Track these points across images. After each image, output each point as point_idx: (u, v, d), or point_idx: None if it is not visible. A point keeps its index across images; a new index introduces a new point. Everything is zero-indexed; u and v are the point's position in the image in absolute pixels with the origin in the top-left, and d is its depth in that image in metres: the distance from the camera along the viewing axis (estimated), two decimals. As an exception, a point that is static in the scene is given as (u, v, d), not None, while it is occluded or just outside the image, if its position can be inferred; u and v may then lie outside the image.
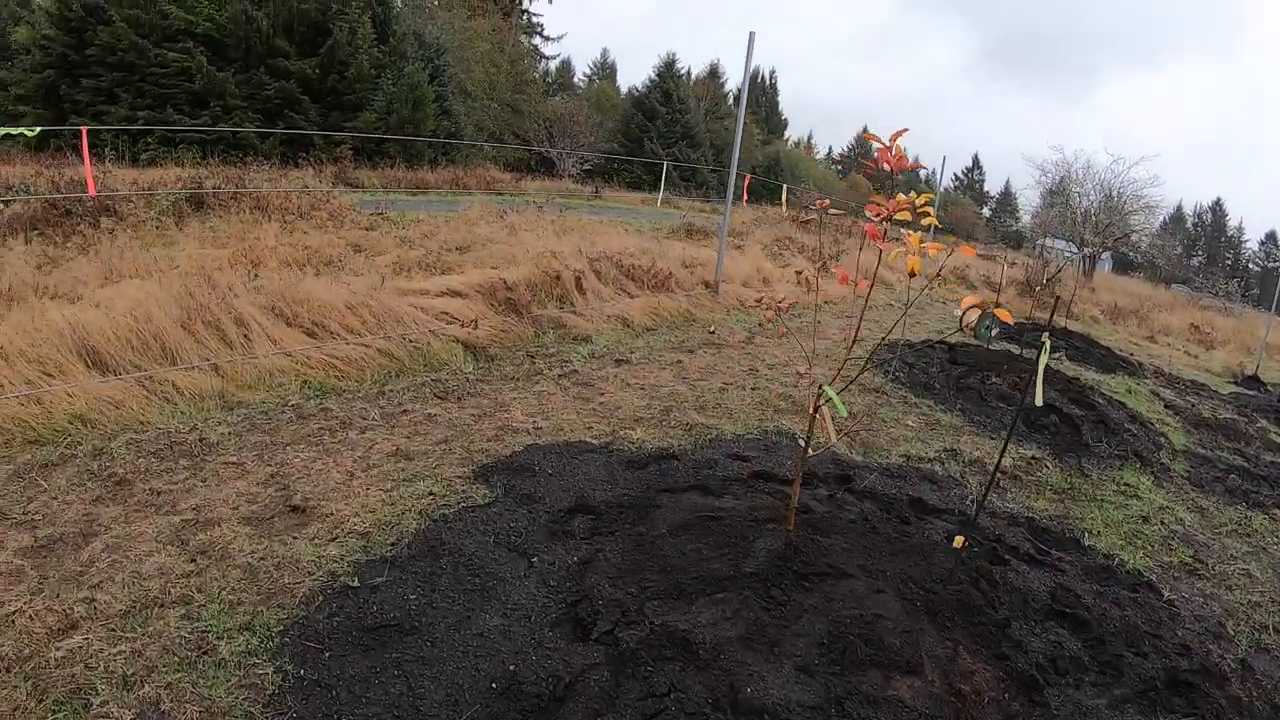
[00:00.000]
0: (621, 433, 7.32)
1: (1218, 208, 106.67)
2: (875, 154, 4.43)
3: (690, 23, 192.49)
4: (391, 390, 7.99)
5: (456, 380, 8.53)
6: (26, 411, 6.30)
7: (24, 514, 4.98)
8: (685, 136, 66.06)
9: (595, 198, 40.49)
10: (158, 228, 14.26)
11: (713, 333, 12.09)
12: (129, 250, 11.53)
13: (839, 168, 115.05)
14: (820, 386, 4.87)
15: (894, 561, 4.97)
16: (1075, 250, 37.95)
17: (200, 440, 6.38)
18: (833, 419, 6.41)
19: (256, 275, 10.09)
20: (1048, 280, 27.88)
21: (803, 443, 5.09)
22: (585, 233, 17.82)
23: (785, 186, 25.52)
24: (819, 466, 6.96)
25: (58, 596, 4.16)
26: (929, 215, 4.23)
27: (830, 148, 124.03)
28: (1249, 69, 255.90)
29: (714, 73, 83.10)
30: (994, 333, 13.70)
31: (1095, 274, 40.75)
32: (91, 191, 10.19)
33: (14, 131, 9.02)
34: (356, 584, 4.52)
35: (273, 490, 5.60)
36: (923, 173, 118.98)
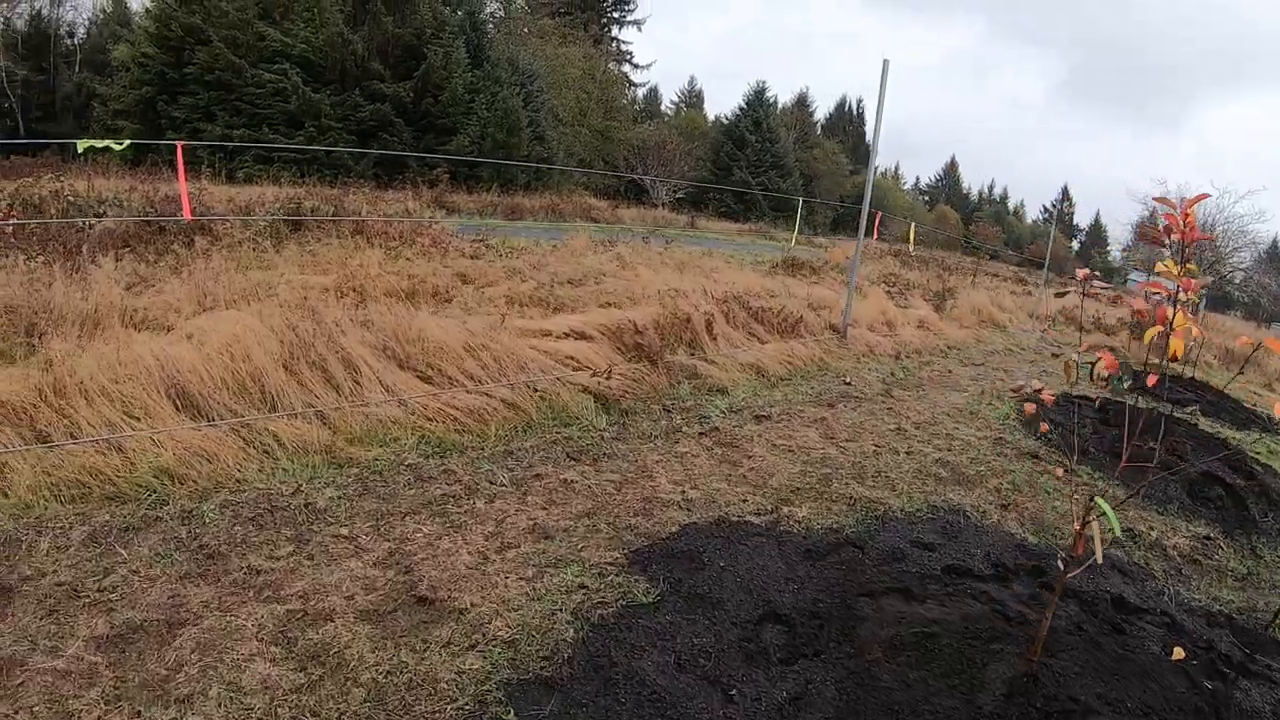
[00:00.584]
0: (784, 510, 6.31)
1: None
2: (1161, 220, 3.38)
3: (777, 50, 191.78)
4: (519, 449, 7.02)
5: (589, 438, 7.56)
6: (106, 461, 5.42)
7: (100, 590, 4.25)
8: (775, 165, 65.18)
9: (691, 227, 39.70)
10: (254, 249, 13.46)
11: (848, 384, 11.10)
12: (224, 273, 10.65)
13: (925, 198, 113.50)
14: (1093, 499, 3.79)
15: (1128, 687, 4.16)
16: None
17: (305, 505, 5.46)
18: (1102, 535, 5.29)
19: (362, 306, 9.21)
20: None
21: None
22: (697, 268, 16.93)
23: (913, 224, 24.38)
24: (1002, 552, 6.03)
25: (139, 716, 3.32)
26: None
27: (917, 178, 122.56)
28: None
29: (802, 101, 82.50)
30: (1126, 385, 12.31)
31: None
32: (187, 215, 9.32)
33: (100, 144, 8.11)
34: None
35: (393, 574, 4.74)
36: (1011, 203, 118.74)
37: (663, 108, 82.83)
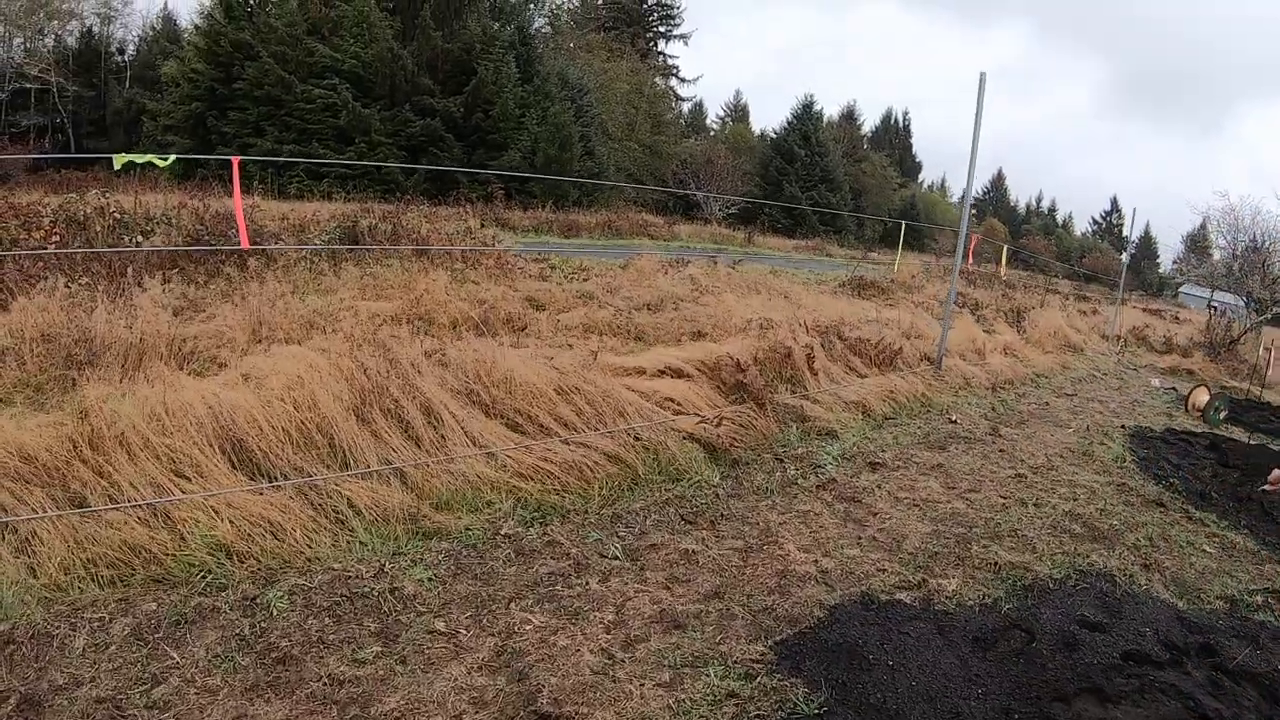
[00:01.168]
0: (931, 583, 5.51)
1: None
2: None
3: (820, 63, 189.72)
4: (628, 511, 6.12)
5: (703, 496, 6.67)
6: (152, 536, 4.54)
7: (148, 706, 3.47)
8: (824, 179, 64.36)
9: (748, 243, 38.70)
10: (311, 270, 12.57)
11: (954, 421, 10.32)
12: (280, 299, 9.80)
13: (974, 211, 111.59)
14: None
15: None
16: (1240, 304, 35.79)
17: (391, 590, 4.59)
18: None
19: (432, 335, 8.35)
20: (1231, 342, 25.48)
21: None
22: (775, 291, 15.93)
23: (1006, 247, 23.40)
24: (1167, 628, 5.30)
25: None
26: None
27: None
28: None
29: (850, 115, 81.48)
30: (1222, 415, 12.75)
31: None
32: (244, 243, 8.25)
33: (140, 159, 7.19)
34: None
35: (504, 681, 3.92)
36: (1059, 215, 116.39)
37: (708, 122, 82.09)
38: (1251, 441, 11.19)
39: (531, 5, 50.70)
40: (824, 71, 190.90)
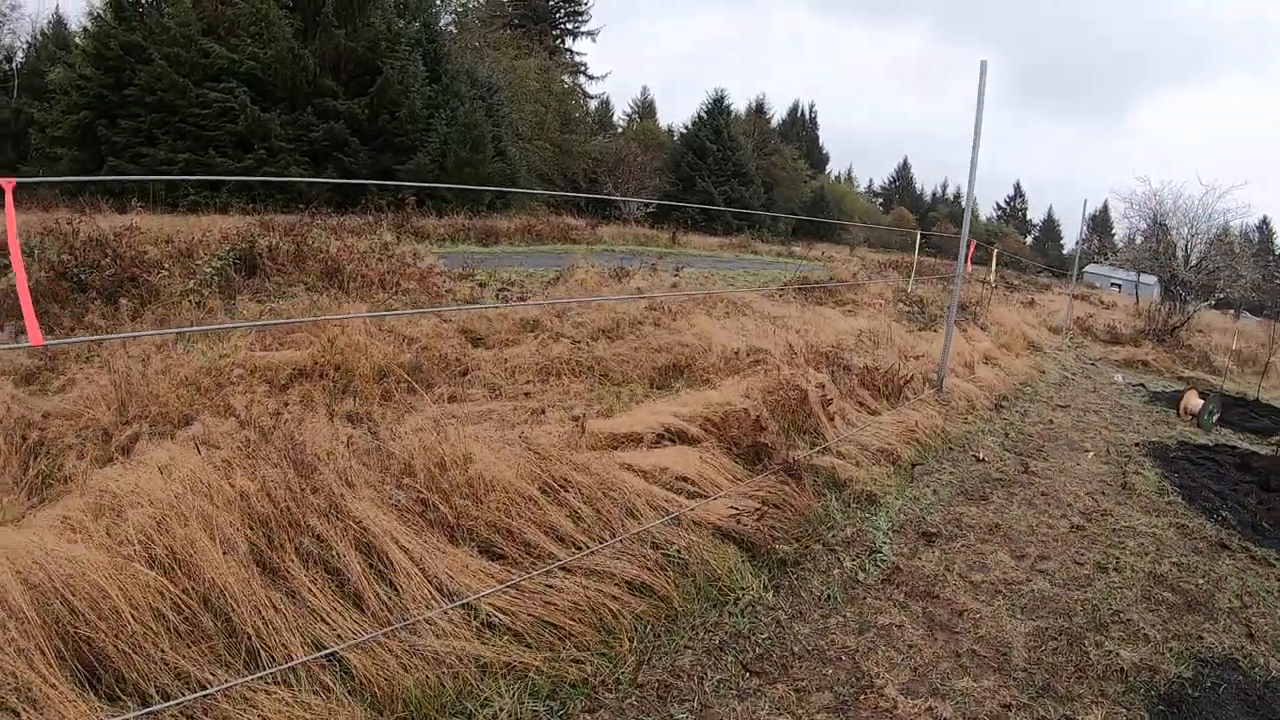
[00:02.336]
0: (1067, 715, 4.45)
1: (1264, 226, 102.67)
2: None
3: (727, 60, 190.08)
4: (672, 669, 4.34)
5: (761, 624, 4.98)
6: None
7: None
8: (737, 174, 63.21)
9: (672, 243, 36.96)
10: (199, 303, 10.39)
11: (981, 459, 9.03)
12: (155, 357, 7.67)
13: (879, 200, 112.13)
14: None
15: None
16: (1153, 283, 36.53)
17: None
18: None
19: (351, 396, 6.42)
20: (1173, 329, 25.71)
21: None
22: (732, 302, 14.11)
23: (995, 249, 22.28)
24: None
25: None
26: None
27: (870, 180, 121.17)
28: None
29: (759, 108, 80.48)
30: (1215, 419, 12.66)
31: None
32: (34, 338, 5.40)
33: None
34: None
35: None
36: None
37: (615, 119, 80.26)
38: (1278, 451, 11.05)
39: (438, 1, 48.37)
40: (733, 70, 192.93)
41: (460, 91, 40.96)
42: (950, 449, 9.19)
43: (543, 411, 7.29)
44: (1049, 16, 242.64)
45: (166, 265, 11.41)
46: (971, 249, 11.50)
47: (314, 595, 3.80)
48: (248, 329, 8.82)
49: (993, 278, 25.34)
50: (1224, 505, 8.21)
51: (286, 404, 7.01)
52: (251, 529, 4.01)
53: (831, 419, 7.89)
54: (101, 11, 35.06)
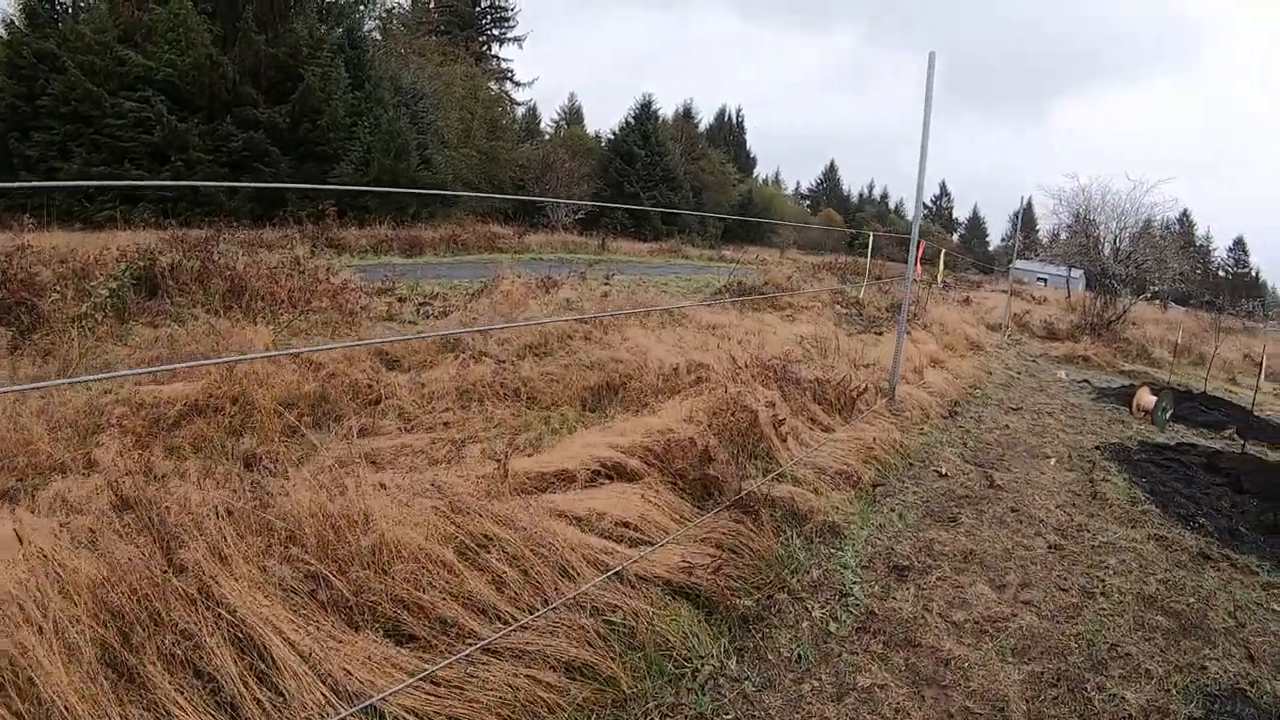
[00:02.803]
0: None
1: (1185, 219, 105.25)
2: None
3: (656, 66, 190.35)
4: None
5: (726, 701, 4.23)
6: None
7: None
8: (666, 179, 62.48)
9: (602, 250, 36.20)
10: (91, 330, 9.37)
11: (943, 474, 8.47)
12: (33, 394, 6.73)
13: (807, 203, 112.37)
14: None
15: None
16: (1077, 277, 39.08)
17: None
18: None
19: (249, 434, 5.50)
20: (1109, 322, 25.79)
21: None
22: (664, 310, 13.34)
23: (943, 251, 21.97)
24: None
25: None
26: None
27: (798, 182, 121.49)
28: (1202, 85, 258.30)
29: (687, 113, 79.98)
30: (1168, 415, 12.50)
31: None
32: None
33: None
34: None
35: None
36: (891, 202, 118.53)
37: (543, 126, 79.22)
38: (1246, 448, 11.00)
39: (362, 7, 46.92)
40: (661, 76, 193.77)
41: (384, 99, 39.70)
42: (910, 465, 8.62)
43: (462, 445, 6.49)
44: (972, 24, 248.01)
45: (59, 287, 10.36)
46: (921, 249, 10.89)
47: (180, 709, 2.98)
48: (122, 373, 7.89)
49: (940, 278, 25.07)
50: (1199, 511, 8.03)
51: (174, 448, 6.12)
52: (104, 625, 3.19)
53: (784, 440, 7.17)
54: (14, 18, 33.43)
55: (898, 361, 10.39)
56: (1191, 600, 6.01)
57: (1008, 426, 11.21)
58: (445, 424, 7.15)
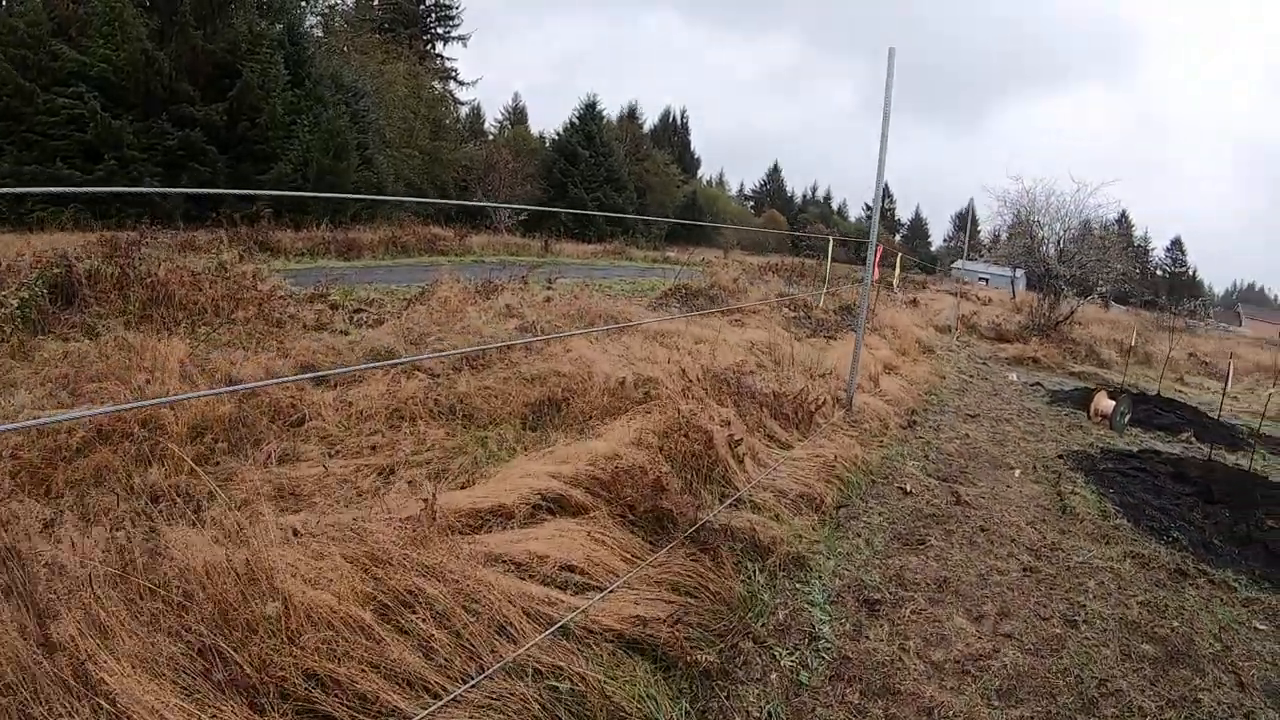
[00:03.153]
0: None
1: (1123, 220, 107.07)
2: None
3: (600, 68, 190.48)
4: None
5: None
6: None
7: None
8: (610, 180, 61.96)
9: (545, 252, 35.46)
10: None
11: (909, 492, 8.02)
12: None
13: (751, 203, 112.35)
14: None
15: None
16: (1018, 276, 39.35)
17: None
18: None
19: (157, 464, 4.91)
20: (1057, 323, 26.05)
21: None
22: (609, 316, 12.78)
23: (899, 255, 21.66)
24: None
25: None
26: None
27: (742, 183, 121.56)
28: (1137, 91, 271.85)
29: (632, 114, 79.34)
30: (1126, 419, 12.46)
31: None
32: None
33: None
34: None
35: None
36: (834, 203, 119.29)
37: (486, 126, 78.14)
38: (1211, 455, 10.96)
39: (304, 2, 45.72)
40: (607, 78, 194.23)
41: (324, 97, 38.53)
42: (873, 481, 8.16)
43: (390, 473, 5.89)
44: (913, 29, 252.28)
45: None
46: (879, 254, 10.45)
47: None
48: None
49: (896, 282, 24.86)
50: (1171, 524, 7.89)
51: (75, 481, 5.45)
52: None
53: (741, 461, 6.65)
54: (-57, 12, 32.11)
55: (855, 371, 9.96)
56: (1175, 624, 5.79)
57: (968, 436, 10.90)
58: (373, 448, 6.52)
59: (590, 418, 7.27)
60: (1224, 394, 16.12)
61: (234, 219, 24.83)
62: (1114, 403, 12.59)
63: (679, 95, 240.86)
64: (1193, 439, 12.47)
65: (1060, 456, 10.15)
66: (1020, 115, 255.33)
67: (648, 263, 35.82)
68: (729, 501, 6.06)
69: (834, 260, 41.15)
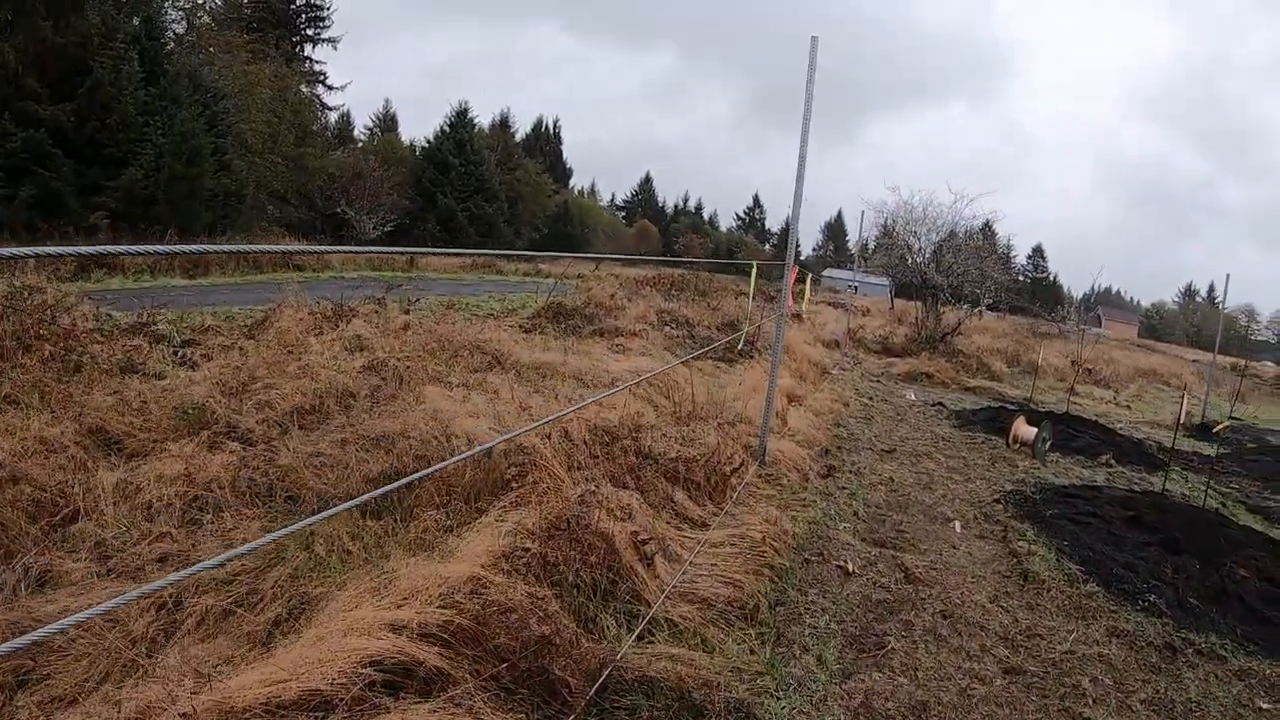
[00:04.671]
0: None
1: (988, 228, 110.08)
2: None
3: (475, 75, 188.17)
4: None
5: None
6: None
7: None
8: (480, 189, 59.92)
9: (411, 266, 33.31)
10: None
11: (850, 572, 6.54)
12: None
13: (623, 214, 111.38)
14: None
15: None
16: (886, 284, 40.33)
17: None
18: None
19: None
20: (944, 335, 25.62)
21: None
22: (476, 346, 11.05)
23: (810, 276, 20.55)
24: None
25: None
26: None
27: (613, 194, 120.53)
28: (1003, 109, 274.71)
29: (504, 122, 77.33)
30: (1048, 445, 11.85)
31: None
32: None
33: None
34: None
35: None
36: (706, 213, 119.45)
37: (356, 133, 75.06)
38: (1180, 492, 10.79)
39: (166, -4, 42.35)
40: (480, 87, 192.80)
41: (180, 96, 35.14)
42: (806, 560, 6.61)
43: (178, 606, 4.06)
44: (782, 46, 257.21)
45: None
46: (794, 275, 8.98)
47: None
48: None
49: (805, 307, 23.88)
50: (1143, 584, 7.28)
51: None
52: None
53: (651, 563, 4.97)
54: None
55: (767, 418, 8.51)
56: (1182, 720, 5.19)
57: (891, 479, 9.76)
58: (161, 559, 4.65)
59: (449, 502, 5.48)
60: (1116, 401, 15.86)
61: (77, 229, 22.33)
62: (1034, 429, 11.97)
63: (555, 106, 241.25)
64: (1112, 461, 12.10)
65: (997, 500, 9.24)
66: (889, 129, 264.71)
67: (519, 277, 34.15)
68: (641, 626, 4.40)
69: (710, 272, 40.13)
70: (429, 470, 4.63)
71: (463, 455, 5.05)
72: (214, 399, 7.18)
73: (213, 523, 5.10)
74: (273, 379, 8.03)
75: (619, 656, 3.98)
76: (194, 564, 4.32)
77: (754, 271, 10.68)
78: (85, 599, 4.10)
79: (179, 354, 9.87)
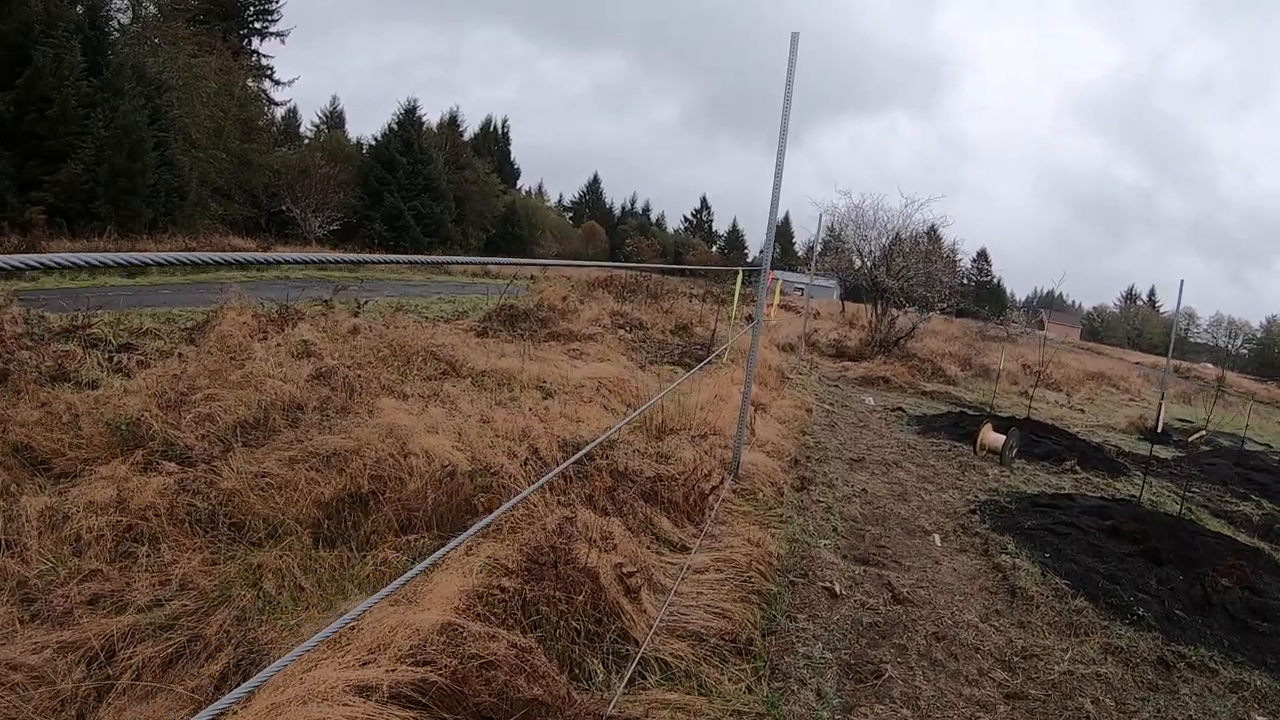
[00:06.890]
0: None
1: (933, 233, 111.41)
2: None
3: (425, 74, 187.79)
4: None
5: None
6: None
7: None
8: (427, 188, 59.22)
9: (356, 266, 32.49)
10: None
11: (837, 594, 6.20)
12: None
13: (570, 215, 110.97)
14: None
15: None
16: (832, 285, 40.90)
17: None
18: None
19: None
20: (899, 339, 25.61)
21: None
22: (429, 350, 10.53)
23: (779, 284, 20.20)
24: None
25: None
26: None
27: (561, 195, 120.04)
28: (940, 120, 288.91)
29: (453, 121, 76.19)
30: (1015, 453, 11.86)
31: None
32: None
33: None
34: None
35: None
36: (653, 214, 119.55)
37: (302, 129, 73.61)
38: (1146, 498, 10.69)
39: (109, -18, 40.95)
40: (429, 86, 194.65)
41: (123, 88, 33.83)
42: (792, 582, 6.25)
43: (111, 657, 3.51)
44: (731, 53, 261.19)
45: None
46: (770, 280, 8.61)
47: None
48: None
49: (774, 313, 23.65)
50: (1129, 596, 7.23)
51: None
52: None
53: (637, 595, 4.52)
54: None
55: (741, 432, 8.16)
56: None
57: (864, 490, 9.54)
58: (92, 600, 4.09)
59: (410, 526, 4.98)
60: (1070, 405, 16.43)
61: (4, 227, 21.41)
62: (1002, 437, 11.86)
63: (505, 107, 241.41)
64: (1077, 467, 12.21)
65: (972, 510, 9.13)
66: (835, 137, 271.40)
67: (467, 278, 33.63)
68: (631, 669, 3.97)
69: (662, 275, 39.59)
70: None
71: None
72: (150, 412, 6.54)
73: (148, 555, 4.55)
74: (214, 389, 7.39)
75: (611, 706, 3.55)
76: (127, 607, 3.84)
77: (739, 278, 10.28)
78: (6, 651, 3.55)
79: (114, 360, 9.23)
